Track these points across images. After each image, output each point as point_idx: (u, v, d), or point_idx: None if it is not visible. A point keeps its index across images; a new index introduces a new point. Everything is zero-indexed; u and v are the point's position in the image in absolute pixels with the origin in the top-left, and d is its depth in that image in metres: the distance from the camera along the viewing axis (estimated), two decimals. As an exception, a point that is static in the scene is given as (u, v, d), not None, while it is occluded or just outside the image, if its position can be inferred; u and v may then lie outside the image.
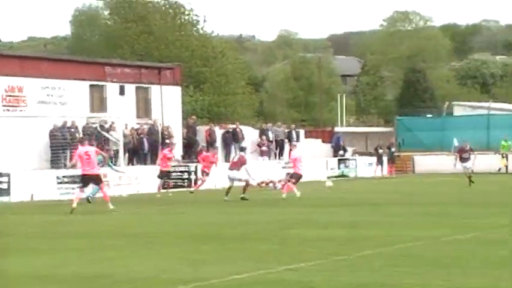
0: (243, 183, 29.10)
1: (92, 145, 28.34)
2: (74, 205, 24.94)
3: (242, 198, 28.45)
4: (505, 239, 16.05)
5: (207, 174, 34.43)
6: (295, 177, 30.30)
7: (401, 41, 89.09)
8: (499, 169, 49.51)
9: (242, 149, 38.44)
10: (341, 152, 48.76)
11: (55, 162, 34.52)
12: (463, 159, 36.34)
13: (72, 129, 35.53)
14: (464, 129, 50.37)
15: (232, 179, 29.27)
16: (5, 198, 30.17)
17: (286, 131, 46.41)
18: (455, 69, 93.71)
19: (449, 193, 31.04)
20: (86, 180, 26.04)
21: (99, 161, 27.11)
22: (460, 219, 20.42)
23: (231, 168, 29.46)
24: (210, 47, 62.80)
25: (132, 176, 34.55)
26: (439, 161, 49.84)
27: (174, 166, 36.54)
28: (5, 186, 30.67)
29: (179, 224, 21.10)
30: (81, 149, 25.80)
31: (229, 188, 29.17)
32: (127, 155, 36.26)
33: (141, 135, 37.52)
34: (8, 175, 30.73)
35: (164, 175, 32.71)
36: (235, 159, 30.55)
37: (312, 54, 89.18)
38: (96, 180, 26.20)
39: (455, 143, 36.90)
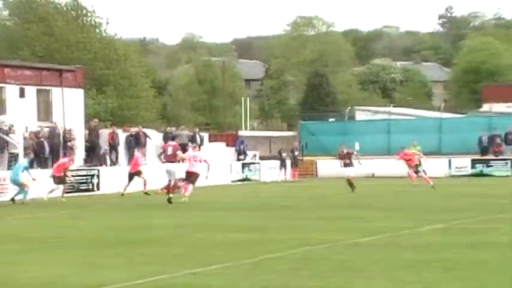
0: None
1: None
2: None
3: (146, 193, 28.45)
4: (409, 242, 16.31)
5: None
6: (188, 176, 29.65)
7: (304, 46, 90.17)
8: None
9: (173, 138, 37.76)
10: (241, 156, 48.94)
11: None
12: (346, 165, 34.95)
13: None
14: (366, 134, 51.14)
15: (171, 173, 29.38)
16: None
17: (190, 134, 46.28)
18: (357, 74, 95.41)
19: (351, 197, 31.45)
20: None
21: None
22: (363, 222, 20.69)
23: (168, 161, 29.67)
24: (113, 50, 62.25)
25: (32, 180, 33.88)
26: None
27: (75, 170, 36.06)
28: None
29: (81, 228, 20.78)
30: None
31: (169, 185, 29.30)
32: (27, 158, 35.51)
33: (41, 139, 36.82)
34: None
35: (61, 181, 31.96)
36: (168, 152, 30.36)
37: (216, 58, 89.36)
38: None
39: (357, 147, 37.31)
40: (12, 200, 30.52)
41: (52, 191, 31.58)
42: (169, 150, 30.42)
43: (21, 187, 30.89)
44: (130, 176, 34.11)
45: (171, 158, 30.02)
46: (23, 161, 32.17)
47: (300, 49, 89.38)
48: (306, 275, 12.49)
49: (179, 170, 29.84)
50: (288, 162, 48.71)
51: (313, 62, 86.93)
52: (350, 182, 33.90)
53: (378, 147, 50.85)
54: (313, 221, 21.40)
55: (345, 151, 34.85)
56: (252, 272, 12.77)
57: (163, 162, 31.87)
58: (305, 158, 52.29)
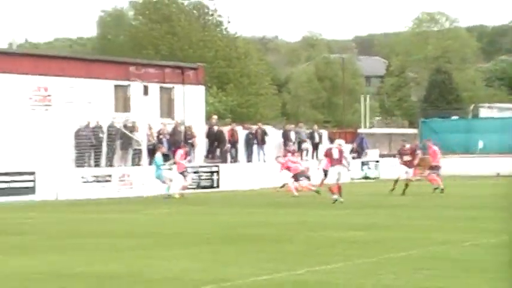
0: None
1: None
2: None
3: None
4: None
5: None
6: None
7: (427, 42, 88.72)
8: None
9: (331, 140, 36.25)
10: (360, 154, 48.57)
11: (80, 161, 34.68)
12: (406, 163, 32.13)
13: (96, 129, 35.68)
14: (491, 132, 50.02)
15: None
16: (30, 197, 30.35)
17: (308, 131, 46.32)
18: (482, 71, 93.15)
19: (474, 196, 30.85)
20: None
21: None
22: (481, 222, 20.29)
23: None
24: (234, 48, 62.88)
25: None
26: (464, 163, 49.56)
27: (196, 167, 36.69)
28: (30, 184, 30.87)
29: (203, 224, 21.12)
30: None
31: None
32: (148, 155, 36.30)
33: (161, 136, 37.54)
34: (34, 174, 30.91)
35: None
36: (335, 156, 27.83)
37: (336, 55, 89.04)
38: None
39: (480, 145, 36.44)
40: (168, 196, 31.08)
41: (184, 187, 32.13)
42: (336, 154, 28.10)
43: (165, 182, 31.60)
44: (297, 176, 32.31)
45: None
46: (158, 157, 32.57)
47: (422, 45, 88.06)
48: (427, 275, 12.37)
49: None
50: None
51: (436, 59, 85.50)
52: (406, 184, 31.35)
53: (503, 146, 49.63)
54: (434, 220, 21.12)
55: (407, 147, 32.85)
56: (372, 271, 12.73)
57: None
58: (426, 157, 51.54)
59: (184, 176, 32.40)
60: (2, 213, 25.56)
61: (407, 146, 33.23)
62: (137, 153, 36.39)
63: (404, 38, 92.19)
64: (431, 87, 78.58)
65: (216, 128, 41.11)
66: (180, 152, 32.73)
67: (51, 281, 12.24)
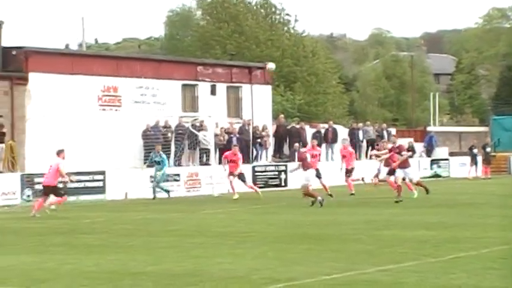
0: None
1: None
2: None
3: None
4: None
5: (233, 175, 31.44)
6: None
7: (498, 39, 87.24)
8: None
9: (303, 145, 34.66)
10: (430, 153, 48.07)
11: (148, 161, 34.96)
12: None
13: (165, 129, 35.94)
14: None
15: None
16: (100, 196, 30.71)
17: (376, 130, 45.96)
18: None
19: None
20: None
21: None
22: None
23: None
24: (301, 47, 62.75)
25: (224, 175, 34.72)
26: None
27: (263, 165, 36.71)
28: (100, 184, 31.23)
29: (270, 223, 21.08)
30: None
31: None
32: (217, 154, 36.43)
33: (231, 135, 37.68)
34: (104, 173, 31.27)
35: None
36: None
37: (405, 52, 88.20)
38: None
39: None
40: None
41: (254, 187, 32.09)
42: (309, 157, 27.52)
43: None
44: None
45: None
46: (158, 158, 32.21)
47: (493, 42, 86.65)
48: (499, 274, 12.11)
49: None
50: (479, 158, 47.38)
51: (508, 56, 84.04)
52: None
53: None
54: (508, 219, 20.72)
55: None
56: (443, 271, 12.51)
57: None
58: (498, 154, 50.73)
59: (243, 181, 31.40)
60: (73, 213, 25.90)
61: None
62: (205, 153, 36.54)
63: (474, 34, 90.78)
64: (502, 85, 77.29)
65: (287, 126, 41.04)
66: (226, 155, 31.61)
67: (121, 280, 12.31)
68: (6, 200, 28.55)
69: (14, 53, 32.71)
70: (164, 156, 32.00)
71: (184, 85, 38.40)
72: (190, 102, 38.76)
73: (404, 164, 27.91)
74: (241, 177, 31.33)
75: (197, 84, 38.95)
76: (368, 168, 39.81)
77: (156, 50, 74.39)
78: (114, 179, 31.49)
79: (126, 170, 33.15)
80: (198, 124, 36.93)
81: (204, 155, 36.62)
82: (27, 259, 14.76)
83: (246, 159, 36.09)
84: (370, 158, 40.08)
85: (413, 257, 13.97)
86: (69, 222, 22.48)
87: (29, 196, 29.54)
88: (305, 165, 26.81)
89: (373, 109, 78.09)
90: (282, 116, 43.18)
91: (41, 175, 29.77)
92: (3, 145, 30.83)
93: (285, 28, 64.69)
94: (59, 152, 24.85)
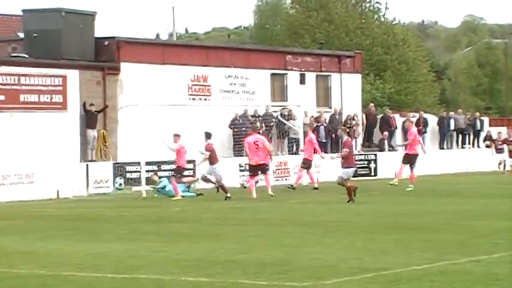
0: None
1: (261, 134, 29.67)
2: (254, 195, 25.63)
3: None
4: None
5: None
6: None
7: None
8: None
9: (208, 136, 28.30)
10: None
11: (237, 150, 35.15)
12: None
13: (254, 118, 36.05)
14: None
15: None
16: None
17: (468, 119, 45.15)
18: None
19: None
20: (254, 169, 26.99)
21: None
22: None
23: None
24: (392, 35, 62.08)
25: (314, 164, 34.66)
26: None
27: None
28: (190, 172, 31.47)
29: (359, 213, 20.96)
30: (250, 138, 26.62)
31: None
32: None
33: (319, 124, 37.53)
34: (193, 162, 31.52)
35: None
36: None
37: (499, 40, 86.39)
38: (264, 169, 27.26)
39: None
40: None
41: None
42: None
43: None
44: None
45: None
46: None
47: None
48: None
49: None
50: None
51: None
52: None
53: None
54: None
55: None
56: (536, 262, 12.23)
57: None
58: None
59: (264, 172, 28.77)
60: (164, 201, 26.25)
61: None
62: (294, 142, 36.52)
63: None
64: None
65: (377, 115, 40.70)
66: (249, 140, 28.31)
67: (211, 268, 12.41)
68: (99, 188, 29.08)
69: (106, 43, 33.24)
70: None
71: (273, 74, 38.44)
72: (279, 92, 38.77)
73: None
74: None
75: (286, 74, 38.93)
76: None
77: (246, 40, 74.64)
78: (204, 168, 31.70)
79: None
80: (286, 113, 36.92)
81: (294, 144, 36.60)
82: (119, 247, 15.02)
83: (336, 149, 35.94)
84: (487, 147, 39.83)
85: (506, 247, 13.69)
86: (160, 210, 22.78)
87: (120, 185, 30.05)
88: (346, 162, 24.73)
89: (465, 97, 76.80)
90: (372, 105, 42.79)
91: (132, 164, 30.33)
92: (95, 134, 31.42)
93: (375, 16, 64.04)
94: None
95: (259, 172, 27.78)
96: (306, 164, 30.70)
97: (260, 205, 23.97)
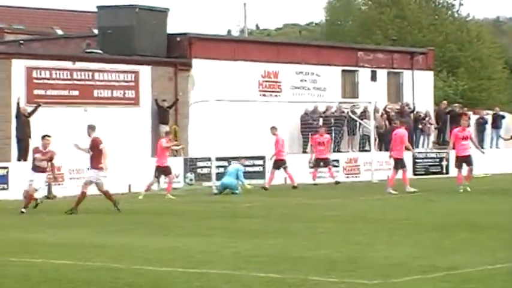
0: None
1: (329, 133, 29.81)
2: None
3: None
4: None
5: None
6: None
7: None
8: None
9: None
10: None
11: (306, 147, 35.10)
12: None
13: (324, 114, 35.94)
14: None
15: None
16: (260, 181, 30.97)
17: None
18: None
19: None
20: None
21: None
22: None
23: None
24: (466, 31, 61.27)
25: (383, 161, 34.44)
26: None
27: (424, 152, 36.15)
28: (260, 169, 31.57)
29: (429, 211, 20.75)
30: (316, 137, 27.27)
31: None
32: (377, 140, 36.11)
33: (392, 121, 37.21)
34: (263, 158, 31.59)
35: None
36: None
37: None
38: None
39: None
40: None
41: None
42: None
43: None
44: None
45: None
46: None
47: None
48: None
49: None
50: None
51: None
52: None
53: None
54: None
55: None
56: None
57: None
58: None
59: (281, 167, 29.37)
60: (233, 197, 26.37)
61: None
62: (365, 139, 36.31)
63: None
64: None
65: (448, 111, 40.22)
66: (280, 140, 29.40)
67: (280, 264, 12.42)
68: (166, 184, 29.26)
69: (178, 39, 33.52)
70: None
71: (344, 71, 38.28)
72: (350, 88, 38.60)
73: None
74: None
75: (357, 70, 38.74)
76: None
77: (317, 36, 74.44)
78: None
79: (284, 155, 33.32)
80: (357, 110, 36.74)
81: (366, 141, 36.37)
82: (189, 241, 15.15)
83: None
84: None
85: None
86: (229, 206, 22.89)
87: (191, 180, 30.26)
88: None
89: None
90: (445, 102, 42.29)
91: (203, 159, 30.52)
92: (167, 129, 31.70)
93: (449, 12, 63.33)
94: None
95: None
96: (277, 164, 29.07)
97: (330, 202, 23.90)
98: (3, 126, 28.11)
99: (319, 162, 31.13)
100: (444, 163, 37.09)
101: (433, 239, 14.98)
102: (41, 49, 35.10)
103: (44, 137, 22.70)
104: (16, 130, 28.14)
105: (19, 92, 28.83)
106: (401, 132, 27.29)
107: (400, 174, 26.99)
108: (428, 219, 18.65)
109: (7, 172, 26.39)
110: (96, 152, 21.98)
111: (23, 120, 28.01)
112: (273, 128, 29.82)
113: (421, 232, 16.14)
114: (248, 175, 30.29)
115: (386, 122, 36.98)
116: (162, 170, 26.47)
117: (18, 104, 28.16)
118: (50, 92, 29.65)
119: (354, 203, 23.60)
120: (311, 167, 31.41)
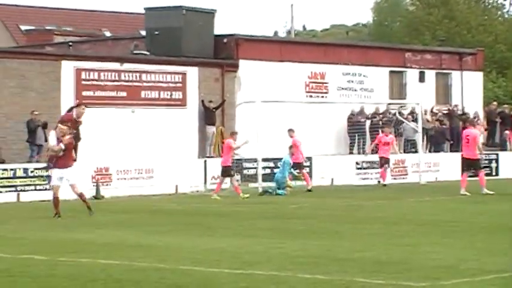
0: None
1: (391, 133, 29.63)
2: None
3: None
4: None
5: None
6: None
7: None
8: None
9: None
10: None
11: (353, 148, 34.94)
12: None
13: (370, 116, 35.73)
14: None
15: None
16: (304, 182, 30.86)
17: None
18: None
19: None
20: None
21: None
22: None
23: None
24: (516, 32, 60.62)
25: (431, 163, 34.18)
26: None
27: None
28: (306, 170, 31.46)
29: (479, 213, 20.50)
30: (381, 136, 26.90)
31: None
32: (425, 141, 35.82)
33: (442, 122, 36.93)
34: (310, 159, 31.51)
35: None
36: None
37: None
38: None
39: None
40: None
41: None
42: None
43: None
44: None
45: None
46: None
47: None
48: None
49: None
50: None
51: None
52: None
53: None
54: None
55: None
56: None
57: None
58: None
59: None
60: (280, 198, 26.31)
61: None
62: (412, 140, 36.01)
63: None
64: None
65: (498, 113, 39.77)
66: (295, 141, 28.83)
67: (328, 265, 12.36)
68: (215, 184, 29.31)
69: (225, 40, 33.58)
70: None
71: (392, 72, 38.04)
72: (398, 89, 38.34)
73: None
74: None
75: (405, 71, 38.47)
76: None
77: (364, 37, 74.16)
78: (319, 165, 31.68)
79: (332, 156, 33.26)
80: (405, 111, 36.46)
81: (411, 142, 36.06)
82: (236, 242, 15.13)
83: (456, 147, 35.30)
84: None
85: None
86: (276, 207, 22.84)
87: (237, 181, 30.26)
88: None
89: None
90: (495, 103, 41.82)
91: (250, 160, 30.52)
92: (214, 130, 31.78)
93: (499, 12, 62.71)
94: None
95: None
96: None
97: (378, 203, 23.75)
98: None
99: (387, 161, 30.93)
100: (494, 165, 36.66)
101: (483, 241, 14.79)
102: (90, 50, 35.43)
103: (79, 106, 21.87)
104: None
105: (68, 93, 29.09)
106: (474, 132, 26.49)
107: (478, 175, 26.44)
108: (478, 221, 18.42)
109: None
110: None
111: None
112: (290, 131, 29.32)
113: (471, 234, 15.95)
114: (294, 176, 30.21)
115: (437, 123, 36.69)
116: (225, 170, 26.47)
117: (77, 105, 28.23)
118: (98, 93, 29.89)
119: (402, 205, 23.41)
120: (381, 167, 31.13)
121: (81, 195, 19.93)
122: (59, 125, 20.39)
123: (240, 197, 25.40)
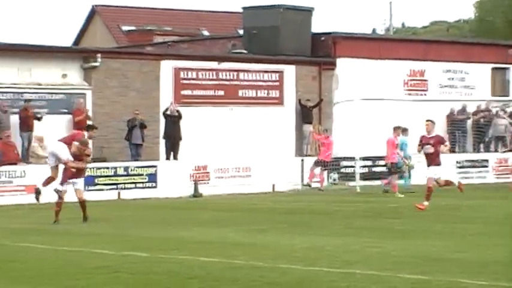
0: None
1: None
2: None
3: None
4: None
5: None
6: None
7: None
8: None
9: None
10: None
11: (454, 146, 34.31)
12: None
13: (473, 113, 35.05)
14: None
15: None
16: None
17: None
18: None
19: None
20: None
21: None
22: None
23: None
24: None
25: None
26: None
27: None
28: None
29: None
30: None
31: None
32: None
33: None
34: (410, 158, 31.03)
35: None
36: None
37: None
38: None
39: None
40: None
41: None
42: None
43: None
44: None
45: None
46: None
47: None
48: None
49: None
50: None
51: None
52: None
53: None
54: None
55: None
56: None
57: None
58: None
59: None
60: (379, 197, 26.07)
61: None
62: (502, 137, 35.20)
63: None
64: None
65: None
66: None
67: (427, 265, 12.16)
68: (313, 182, 29.19)
69: (322, 38, 33.46)
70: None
71: (494, 69, 37.25)
72: (501, 86, 37.53)
73: None
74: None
75: (508, 68, 37.65)
76: None
77: (465, 33, 72.86)
78: (419, 164, 31.20)
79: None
80: (507, 109, 35.68)
81: (499, 142, 35.27)
82: (334, 241, 15.04)
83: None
84: None
85: None
86: (376, 206, 22.65)
87: (335, 180, 30.13)
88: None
89: None
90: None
91: (347, 159, 30.29)
92: (311, 129, 31.69)
93: None
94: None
95: None
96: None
97: (480, 202, 23.28)
98: (153, 126, 28.77)
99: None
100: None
101: None
102: (188, 50, 35.79)
103: (91, 127, 21.06)
104: (164, 130, 28.70)
105: (167, 92, 29.46)
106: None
107: None
108: None
109: (156, 171, 27.01)
110: None
111: (173, 120, 28.50)
112: (400, 129, 28.61)
113: None
114: (376, 175, 29.90)
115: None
116: (391, 167, 26.50)
117: (171, 104, 28.60)
118: (196, 92, 30.16)
119: (504, 204, 22.87)
120: None
121: (83, 202, 19.05)
122: (76, 143, 19.13)
123: (395, 196, 25.41)
